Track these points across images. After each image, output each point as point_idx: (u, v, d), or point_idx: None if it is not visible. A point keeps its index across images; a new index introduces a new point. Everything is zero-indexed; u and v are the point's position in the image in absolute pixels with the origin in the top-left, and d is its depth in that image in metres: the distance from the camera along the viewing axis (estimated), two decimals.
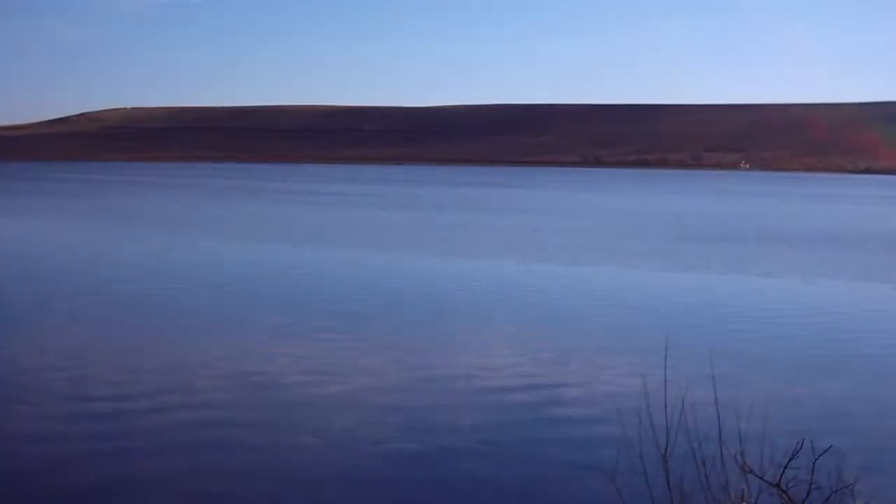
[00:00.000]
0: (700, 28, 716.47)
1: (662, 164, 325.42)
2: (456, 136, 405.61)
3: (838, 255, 45.23)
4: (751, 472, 7.84)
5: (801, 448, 7.51)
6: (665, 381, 10.95)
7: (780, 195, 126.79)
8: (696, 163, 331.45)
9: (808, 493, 7.49)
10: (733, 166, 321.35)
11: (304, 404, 16.36)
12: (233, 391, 17.19)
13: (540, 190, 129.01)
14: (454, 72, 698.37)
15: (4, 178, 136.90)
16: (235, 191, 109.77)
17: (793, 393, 17.90)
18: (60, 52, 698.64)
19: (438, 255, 41.95)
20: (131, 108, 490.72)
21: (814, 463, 7.60)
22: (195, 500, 12.14)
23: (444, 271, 36.34)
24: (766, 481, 7.74)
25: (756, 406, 14.26)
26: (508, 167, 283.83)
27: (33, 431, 14.61)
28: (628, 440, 11.16)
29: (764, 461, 8.26)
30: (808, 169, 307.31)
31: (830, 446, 8.45)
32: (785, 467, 7.55)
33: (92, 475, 12.80)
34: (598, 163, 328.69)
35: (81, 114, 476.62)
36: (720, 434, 9.15)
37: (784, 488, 7.59)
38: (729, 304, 29.49)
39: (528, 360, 20.46)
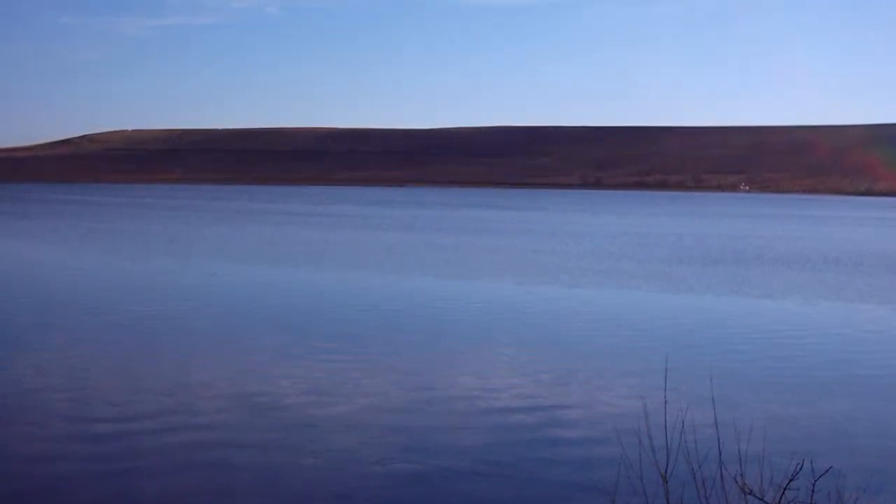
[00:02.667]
0: (700, 50, 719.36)
1: (662, 185, 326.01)
2: (456, 158, 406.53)
3: (838, 276, 45.27)
4: (750, 493, 7.87)
5: (800, 469, 7.54)
6: (665, 402, 10.98)
7: (780, 217, 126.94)
8: (697, 185, 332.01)
9: None
10: (733, 188, 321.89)
11: (305, 425, 16.37)
12: (234, 412, 17.20)
13: (540, 212, 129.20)
14: (454, 94, 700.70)
15: (7, 199, 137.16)
16: (236, 212, 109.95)
17: (792, 414, 17.91)
18: (63, 74, 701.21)
19: (439, 276, 42.01)
20: (133, 130, 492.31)
21: (813, 484, 7.63)
22: None
23: (444, 292, 36.37)
24: (766, 502, 7.76)
25: (756, 427, 14.28)
26: (509, 189, 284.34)
27: (34, 452, 14.62)
28: (628, 461, 11.18)
29: (764, 482, 8.29)
30: (808, 191, 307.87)
31: (830, 467, 8.48)
32: (785, 488, 7.57)
33: (93, 496, 12.82)
34: (598, 185, 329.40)
35: (84, 136, 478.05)
36: (720, 455, 9.17)
37: None
38: (728, 325, 29.52)
39: (527, 381, 20.48)
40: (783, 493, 7.64)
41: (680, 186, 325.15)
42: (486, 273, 43.44)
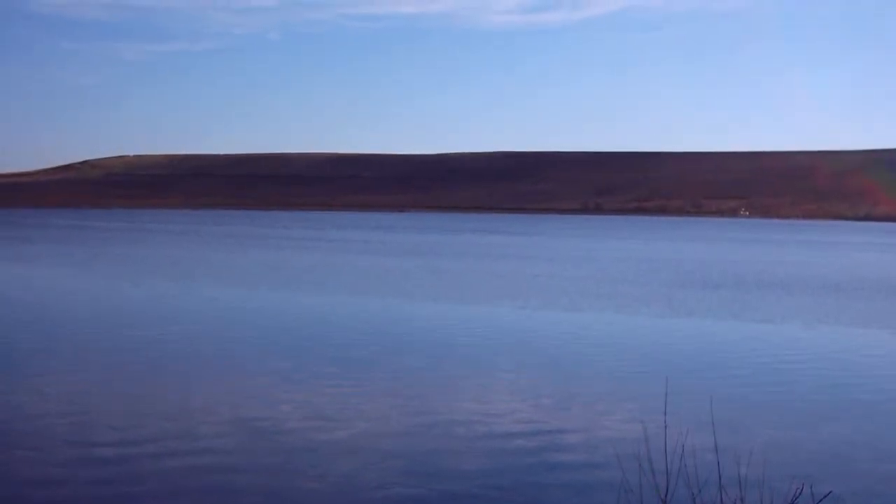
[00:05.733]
0: (700, 75, 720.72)
1: (663, 210, 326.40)
2: (457, 183, 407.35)
3: (838, 301, 45.31)
4: None
5: (800, 493, 7.61)
6: (665, 426, 11.04)
7: (780, 242, 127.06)
8: (697, 210, 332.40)
9: None
10: (733, 213, 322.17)
11: (307, 449, 16.41)
12: (235, 436, 17.24)
13: (540, 237, 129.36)
14: (455, 119, 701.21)
15: (9, 224, 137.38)
16: (237, 237, 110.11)
17: (792, 438, 17.94)
18: (65, 99, 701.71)
19: (440, 300, 42.07)
20: (135, 156, 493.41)
21: None
22: None
23: (445, 317, 36.44)
24: None
25: (756, 451, 14.33)
26: (509, 214, 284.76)
27: (37, 476, 14.67)
28: (629, 485, 11.23)
29: None
30: (808, 216, 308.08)
31: (830, 492, 8.56)
32: None
33: None
34: (598, 210, 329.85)
35: (85, 161, 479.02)
36: (720, 479, 9.23)
37: None
38: (728, 349, 29.56)
39: (528, 406, 20.52)
40: None
41: (680, 211, 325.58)
42: (487, 298, 43.50)
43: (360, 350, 27.27)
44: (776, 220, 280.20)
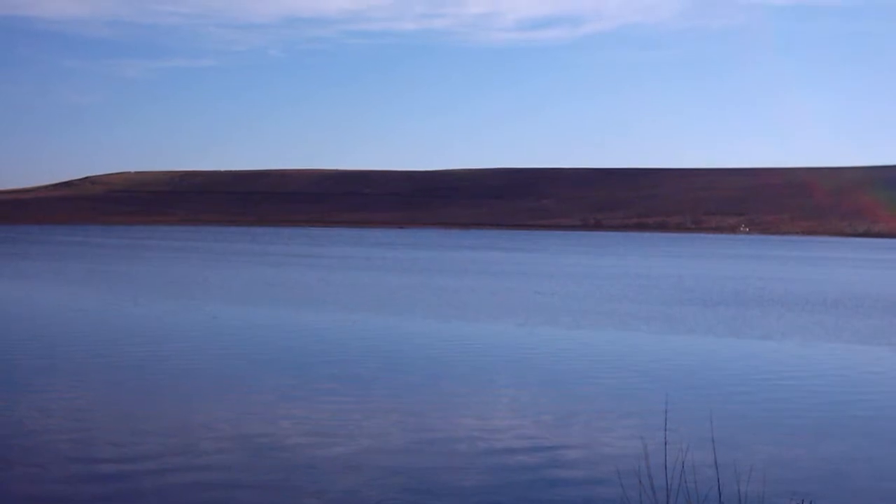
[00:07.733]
0: (699, 91, 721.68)
1: (662, 227, 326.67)
2: (457, 200, 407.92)
3: (837, 317, 45.34)
4: None
5: None
6: (665, 443, 11.12)
7: (780, 258, 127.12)
8: (696, 226, 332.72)
9: None
10: (733, 230, 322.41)
11: (307, 466, 16.44)
12: (235, 453, 17.27)
13: (541, 253, 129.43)
14: (455, 136, 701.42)
15: (9, 241, 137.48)
16: (238, 254, 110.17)
17: (791, 455, 17.96)
18: (66, 116, 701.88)
19: (440, 317, 42.11)
20: (135, 172, 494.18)
21: None
22: None
23: (445, 334, 36.46)
24: None
25: (755, 468, 14.38)
26: (510, 231, 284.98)
27: (38, 493, 14.70)
28: (629, 501, 11.28)
29: None
30: (808, 232, 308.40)
31: None
32: None
33: None
34: (598, 226, 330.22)
35: (86, 177, 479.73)
36: (720, 496, 9.30)
37: None
38: (728, 366, 29.60)
39: (528, 422, 20.54)
40: None
41: (680, 228, 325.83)
42: (487, 314, 43.54)
43: (360, 366, 27.31)
44: (776, 237, 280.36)
